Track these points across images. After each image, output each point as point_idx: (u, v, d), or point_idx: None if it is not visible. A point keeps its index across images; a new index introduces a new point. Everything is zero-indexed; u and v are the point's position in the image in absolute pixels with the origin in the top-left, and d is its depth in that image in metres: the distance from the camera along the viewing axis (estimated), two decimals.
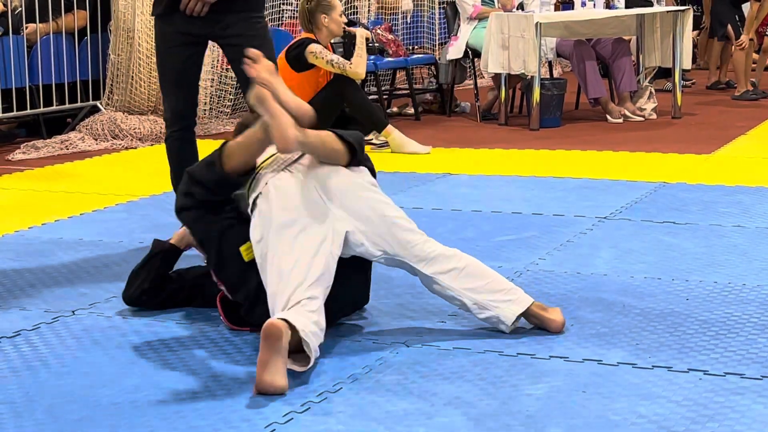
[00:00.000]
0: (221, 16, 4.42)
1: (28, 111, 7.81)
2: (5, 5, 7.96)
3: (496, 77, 8.73)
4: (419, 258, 3.32)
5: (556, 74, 10.30)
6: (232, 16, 4.44)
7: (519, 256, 4.34)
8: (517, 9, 8.60)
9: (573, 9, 8.46)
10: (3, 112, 7.64)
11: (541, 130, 8.17)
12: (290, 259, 3.12)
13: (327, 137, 3.33)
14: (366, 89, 9.14)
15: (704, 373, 3.00)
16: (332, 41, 7.45)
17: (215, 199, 3.38)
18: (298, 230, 3.18)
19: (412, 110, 9.14)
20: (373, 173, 3.46)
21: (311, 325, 2.99)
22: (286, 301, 3.04)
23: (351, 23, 8.11)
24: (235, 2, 4.42)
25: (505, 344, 3.26)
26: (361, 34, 7.35)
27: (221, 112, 8.65)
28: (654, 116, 8.77)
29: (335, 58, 7.15)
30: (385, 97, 9.15)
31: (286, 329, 2.89)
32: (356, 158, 3.37)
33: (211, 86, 8.24)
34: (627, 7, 8.71)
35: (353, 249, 3.29)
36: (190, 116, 4.57)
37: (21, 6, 7.86)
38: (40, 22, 7.86)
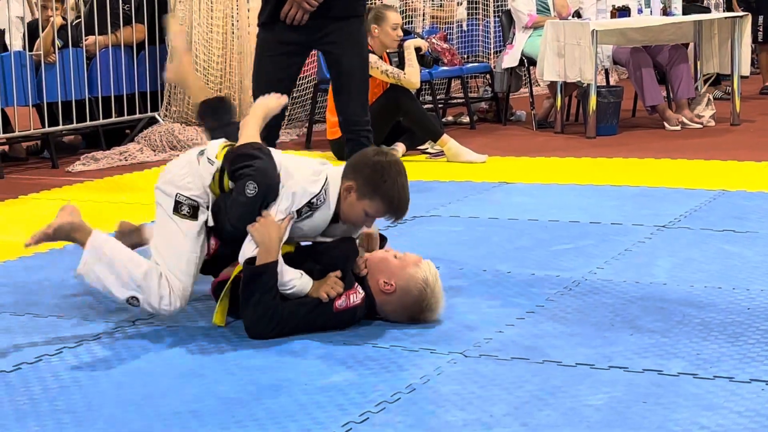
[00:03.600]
0: (321, 22, 4.46)
1: (88, 123, 7.90)
2: (64, 18, 8.07)
3: (552, 85, 8.69)
4: None
5: (612, 82, 10.23)
6: (331, 23, 4.47)
7: (576, 265, 4.32)
8: (573, 17, 8.56)
9: (629, 16, 8.39)
10: (63, 124, 7.74)
11: (598, 138, 8.12)
12: None
13: None
14: (421, 98, 9.15)
15: (767, 384, 2.96)
16: (387, 51, 7.47)
17: None
18: None
19: (467, 119, 9.13)
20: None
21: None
22: None
23: (406, 32, 8.13)
24: (333, 8, 4.44)
25: (564, 354, 3.24)
26: (408, 44, 7.37)
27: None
28: (712, 123, 8.67)
29: (390, 68, 7.17)
30: (440, 106, 9.15)
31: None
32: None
33: None
34: (684, 13, 8.64)
35: None
36: (277, 126, 4.59)
37: (80, 19, 7.97)
38: (98, 35, 7.95)
